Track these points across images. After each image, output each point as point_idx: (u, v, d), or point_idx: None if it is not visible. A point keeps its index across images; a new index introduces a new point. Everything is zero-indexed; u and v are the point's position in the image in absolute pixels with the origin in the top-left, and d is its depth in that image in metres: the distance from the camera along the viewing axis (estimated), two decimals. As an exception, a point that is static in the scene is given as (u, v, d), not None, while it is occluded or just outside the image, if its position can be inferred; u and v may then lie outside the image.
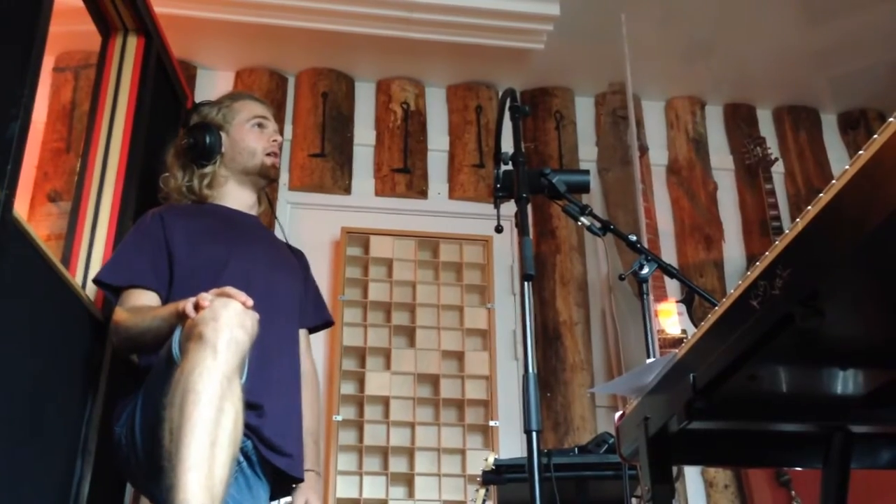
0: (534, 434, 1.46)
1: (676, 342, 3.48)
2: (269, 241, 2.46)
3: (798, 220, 0.83)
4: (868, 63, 4.16)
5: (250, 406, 1.79)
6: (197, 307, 1.70)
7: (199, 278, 2.08)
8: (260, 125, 2.41)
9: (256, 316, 1.73)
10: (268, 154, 2.39)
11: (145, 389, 1.92)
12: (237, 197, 2.38)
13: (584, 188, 2.12)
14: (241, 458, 1.99)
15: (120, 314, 2.06)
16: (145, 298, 2.11)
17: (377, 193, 4.01)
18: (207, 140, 2.36)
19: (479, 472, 2.44)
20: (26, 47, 1.79)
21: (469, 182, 4.05)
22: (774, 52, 4.06)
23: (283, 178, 3.97)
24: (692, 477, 3.69)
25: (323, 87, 4.11)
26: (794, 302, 0.85)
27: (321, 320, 2.53)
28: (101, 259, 2.40)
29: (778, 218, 4.02)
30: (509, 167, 1.89)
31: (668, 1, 3.76)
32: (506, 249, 3.94)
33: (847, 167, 0.76)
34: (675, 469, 1.68)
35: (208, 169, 2.36)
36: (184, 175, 2.38)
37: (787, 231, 0.86)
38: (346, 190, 3.96)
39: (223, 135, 2.39)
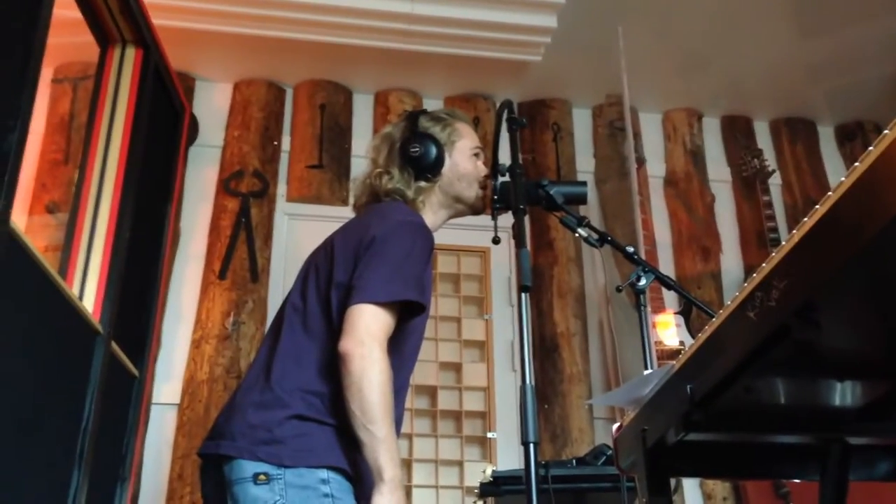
0: (531, 446, 1.46)
1: (674, 354, 3.47)
2: None
3: (794, 231, 0.83)
4: (864, 75, 4.17)
5: None
6: None
7: (417, 333, 2.05)
8: (476, 155, 2.27)
9: None
10: (482, 187, 2.25)
11: None
12: (434, 222, 2.21)
13: (582, 200, 2.12)
14: None
15: (385, 362, 1.82)
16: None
17: (375, 205, 4.01)
18: (435, 154, 2.18)
19: (477, 484, 2.43)
20: (24, 58, 1.80)
21: (467, 193, 4.05)
22: (771, 64, 4.07)
23: (281, 189, 3.98)
24: (690, 489, 3.68)
25: (321, 98, 4.12)
26: (790, 313, 0.85)
27: None
28: (98, 270, 2.39)
29: (775, 229, 4.02)
30: (506, 179, 1.89)
31: (665, 14, 3.78)
32: (503, 261, 3.94)
33: (843, 178, 0.76)
34: (673, 481, 1.68)
35: (424, 184, 2.17)
36: (400, 178, 2.18)
37: (784, 242, 0.86)
38: (344, 201, 3.96)
39: (446, 154, 2.22)
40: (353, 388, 1.76)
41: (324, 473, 1.78)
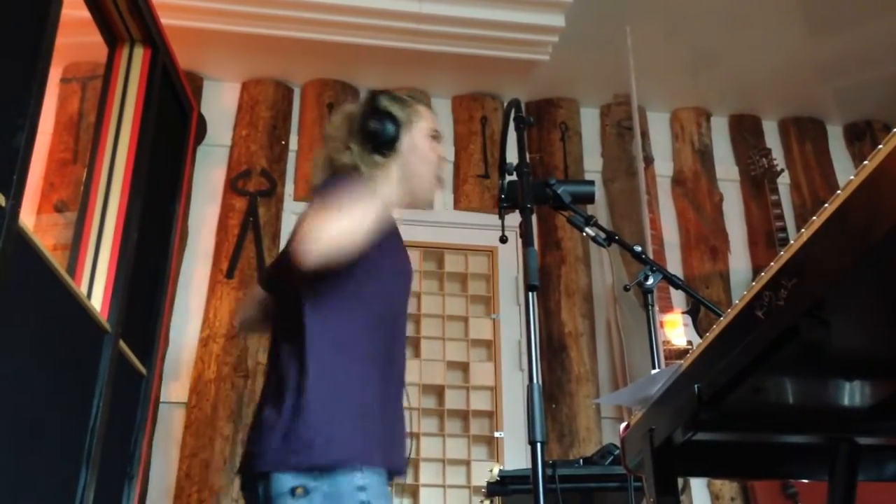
0: (538, 445, 1.45)
1: (682, 353, 3.47)
2: None
3: (803, 230, 0.83)
4: (874, 74, 4.15)
5: None
6: None
7: (398, 285, 2.08)
8: (434, 138, 2.27)
9: None
10: (438, 178, 2.27)
11: None
12: (390, 196, 2.19)
13: (589, 199, 2.12)
14: None
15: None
16: None
17: (382, 204, 4.01)
18: (391, 131, 2.19)
19: (484, 484, 2.43)
20: (32, 58, 1.80)
21: (474, 193, 4.06)
22: (779, 63, 4.06)
23: (289, 188, 3.99)
24: (698, 489, 3.67)
25: (328, 97, 4.12)
26: (799, 313, 0.84)
27: None
28: (107, 268, 2.40)
29: (784, 229, 4.01)
30: (514, 178, 1.89)
31: (673, 13, 3.77)
32: (511, 260, 3.94)
33: (852, 177, 0.76)
34: (680, 481, 1.68)
35: (380, 159, 2.18)
36: (359, 153, 2.19)
37: (792, 242, 0.85)
38: (352, 200, 3.96)
39: (404, 132, 2.23)
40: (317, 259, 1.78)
41: (359, 480, 1.77)
